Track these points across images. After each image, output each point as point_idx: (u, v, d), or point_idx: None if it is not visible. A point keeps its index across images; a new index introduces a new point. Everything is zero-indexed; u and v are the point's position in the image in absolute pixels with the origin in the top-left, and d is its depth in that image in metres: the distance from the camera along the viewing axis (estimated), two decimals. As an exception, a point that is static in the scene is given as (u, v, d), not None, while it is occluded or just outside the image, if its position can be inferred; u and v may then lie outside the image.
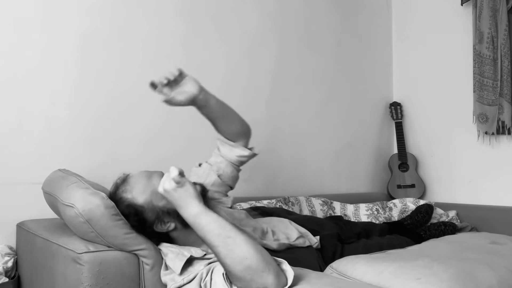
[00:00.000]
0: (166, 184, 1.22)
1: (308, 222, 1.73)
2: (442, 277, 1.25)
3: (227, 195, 1.68)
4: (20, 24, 1.77)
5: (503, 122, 2.53)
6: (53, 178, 1.48)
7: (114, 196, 1.37)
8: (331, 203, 2.38)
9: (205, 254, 1.31)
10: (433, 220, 2.35)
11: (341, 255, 1.60)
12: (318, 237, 1.65)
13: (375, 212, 2.41)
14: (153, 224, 1.35)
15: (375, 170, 3.01)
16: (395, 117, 2.99)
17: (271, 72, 2.52)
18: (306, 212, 2.23)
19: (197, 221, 1.19)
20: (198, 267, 1.26)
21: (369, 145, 2.99)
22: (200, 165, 1.69)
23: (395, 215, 2.43)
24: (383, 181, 3.00)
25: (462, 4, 2.71)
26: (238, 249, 1.12)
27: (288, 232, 1.60)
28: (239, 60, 2.40)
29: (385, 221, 2.36)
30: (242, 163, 1.68)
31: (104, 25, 1.96)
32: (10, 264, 1.60)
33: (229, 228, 1.16)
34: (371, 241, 1.83)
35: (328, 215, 2.26)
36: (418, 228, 2.20)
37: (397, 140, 2.96)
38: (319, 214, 2.26)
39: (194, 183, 1.32)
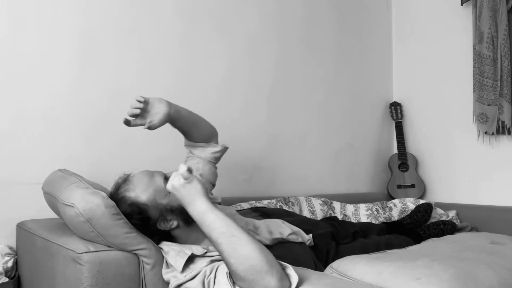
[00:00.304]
0: (174, 181, 1.22)
1: (301, 223, 1.74)
2: (442, 277, 1.25)
3: (211, 194, 1.72)
4: (20, 24, 1.77)
5: (503, 122, 2.53)
6: (53, 178, 1.48)
7: (116, 195, 1.37)
8: (331, 203, 2.38)
9: (206, 252, 1.32)
10: (433, 220, 2.35)
11: (337, 254, 1.61)
12: (311, 235, 1.65)
13: (375, 212, 2.41)
14: (157, 222, 1.36)
15: (375, 170, 3.01)
16: (395, 117, 3.00)
17: (271, 72, 2.53)
18: (306, 212, 2.24)
19: (204, 218, 1.19)
20: (200, 265, 1.27)
21: (369, 145, 2.99)
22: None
23: (395, 215, 2.43)
24: (383, 181, 3.00)
25: (462, 4, 2.71)
26: (242, 248, 1.12)
27: (281, 230, 1.61)
28: (239, 60, 2.40)
29: (385, 221, 2.36)
30: (217, 159, 1.72)
31: (104, 24, 1.96)
32: (10, 264, 1.60)
33: (234, 227, 1.16)
34: (369, 240, 1.83)
35: (328, 215, 2.26)
36: (418, 227, 2.20)
37: (397, 140, 2.96)
38: (319, 214, 2.26)
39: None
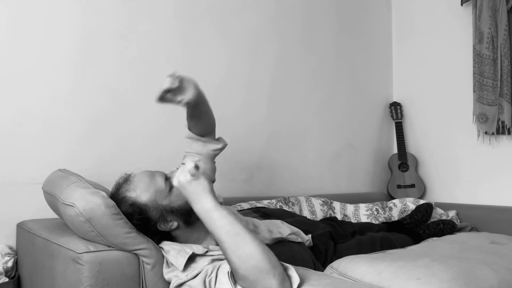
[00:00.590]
0: (181, 177, 1.22)
1: (301, 224, 1.74)
2: (442, 277, 1.25)
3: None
4: (19, 24, 1.77)
5: (503, 122, 2.53)
6: (53, 178, 1.48)
7: (117, 195, 1.37)
8: (331, 203, 2.38)
9: (207, 251, 1.32)
10: (433, 220, 2.35)
11: (334, 253, 1.62)
12: (310, 235, 1.66)
13: (375, 212, 2.41)
14: (157, 223, 1.35)
15: (375, 170, 3.01)
16: (395, 117, 3.00)
17: (271, 72, 2.52)
18: (306, 212, 2.24)
19: (209, 216, 1.19)
20: (201, 264, 1.27)
21: (369, 145, 2.99)
22: (177, 169, 1.68)
23: (395, 215, 2.43)
24: (383, 181, 3.01)
25: (462, 4, 2.71)
26: (245, 247, 1.12)
27: (280, 230, 1.61)
28: (239, 60, 2.40)
29: (385, 221, 2.36)
30: (216, 156, 1.69)
31: (104, 24, 1.96)
32: (10, 264, 1.60)
33: (239, 226, 1.16)
34: (364, 236, 1.84)
35: (328, 215, 2.27)
36: (418, 227, 2.20)
37: (397, 140, 2.96)
38: (319, 214, 2.26)
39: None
